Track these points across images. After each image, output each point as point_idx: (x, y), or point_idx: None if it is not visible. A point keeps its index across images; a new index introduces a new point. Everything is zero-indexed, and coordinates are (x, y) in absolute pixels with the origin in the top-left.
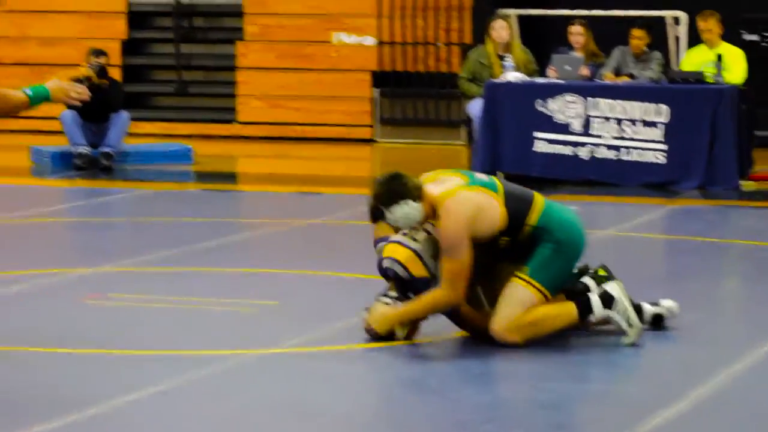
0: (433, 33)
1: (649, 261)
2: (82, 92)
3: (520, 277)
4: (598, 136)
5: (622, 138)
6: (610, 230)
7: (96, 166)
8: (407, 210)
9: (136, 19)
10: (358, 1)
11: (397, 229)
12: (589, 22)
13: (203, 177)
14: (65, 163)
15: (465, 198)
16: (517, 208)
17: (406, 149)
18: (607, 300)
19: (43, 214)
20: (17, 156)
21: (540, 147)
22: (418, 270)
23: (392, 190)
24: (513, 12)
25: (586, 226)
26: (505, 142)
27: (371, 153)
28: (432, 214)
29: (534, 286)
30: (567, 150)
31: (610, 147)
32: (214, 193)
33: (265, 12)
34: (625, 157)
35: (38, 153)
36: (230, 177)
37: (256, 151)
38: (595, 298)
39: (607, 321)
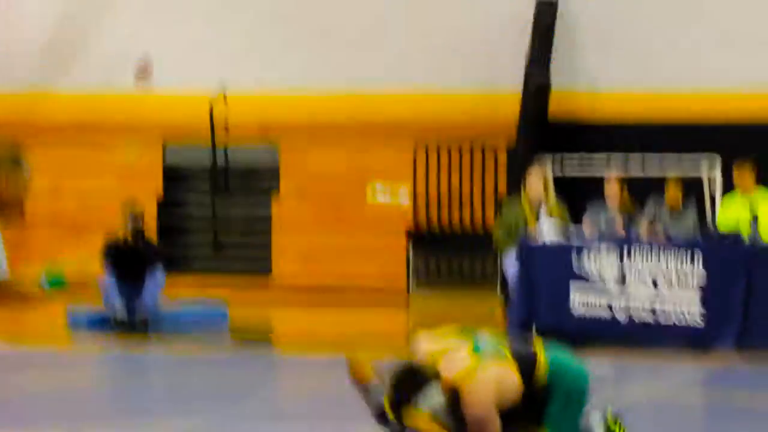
0: (469, 189)
1: (687, 427)
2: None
3: None
4: (633, 292)
5: (657, 294)
6: (644, 389)
7: (132, 326)
8: (431, 395)
9: (172, 177)
10: (394, 159)
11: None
12: (625, 177)
13: (239, 334)
14: (102, 326)
15: (485, 379)
16: (527, 370)
17: (442, 304)
18: None
19: (75, 379)
20: (53, 316)
21: (575, 303)
22: None
23: (415, 380)
24: (548, 164)
25: (621, 388)
26: (541, 298)
27: (406, 309)
28: (451, 395)
29: None
30: (603, 307)
31: (644, 303)
32: (251, 358)
33: (300, 168)
34: (660, 316)
35: (75, 316)
36: (266, 334)
37: (292, 307)
38: None
39: None
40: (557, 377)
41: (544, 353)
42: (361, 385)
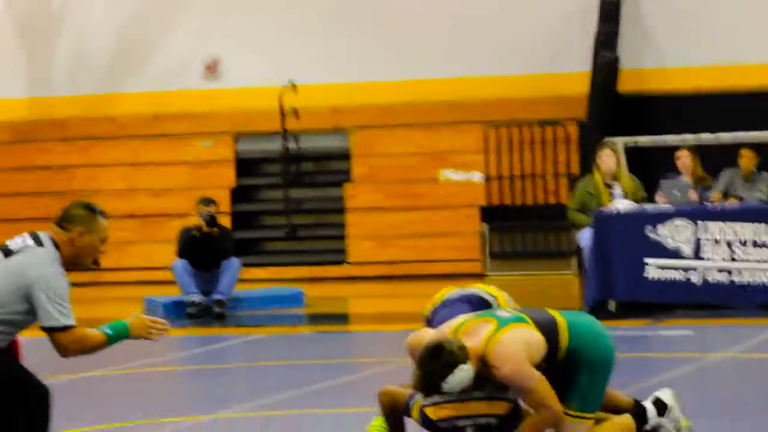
0: (541, 166)
1: (763, 387)
2: (163, 328)
3: (570, 414)
4: (710, 260)
5: (733, 260)
6: (726, 353)
7: (209, 314)
8: (461, 375)
9: (244, 166)
10: (465, 138)
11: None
12: (697, 146)
13: (315, 319)
14: (178, 312)
15: (510, 339)
16: (549, 335)
17: (517, 282)
18: (661, 407)
19: (158, 364)
20: (130, 307)
21: (651, 273)
22: (500, 407)
23: (443, 362)
24: (620, 140)
25: (701, 350)
26: (616, 270)
27: None
28: (481, 366)
29: (585, 418)
30: (678, 275)
31: (721, 270)
32: (327, 335)
33: (372, 153)
34: (737, 280)
35: (151, 303)
36: (342, 318)
37: (367, 291)
38: (649, 406)
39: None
40: (580, 341)
41: (564, 319)
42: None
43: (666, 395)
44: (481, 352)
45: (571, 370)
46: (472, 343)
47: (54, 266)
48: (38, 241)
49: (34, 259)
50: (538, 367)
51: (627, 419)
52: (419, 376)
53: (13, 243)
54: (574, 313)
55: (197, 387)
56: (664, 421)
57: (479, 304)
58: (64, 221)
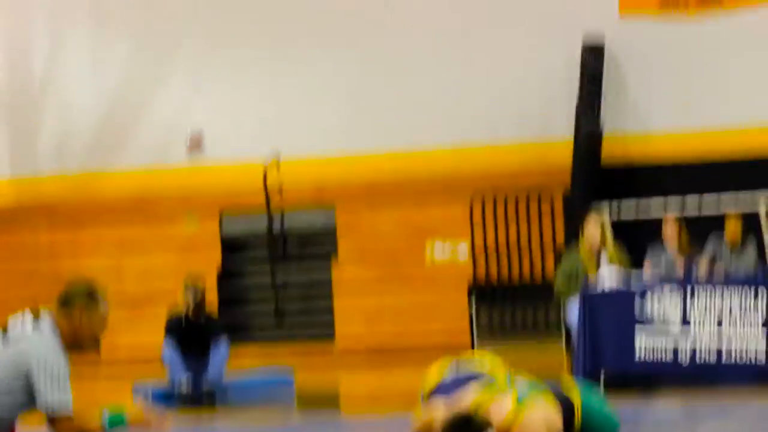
0: (527, 237)
1: None
2: (164, 423)
3: None
4: (698, 332)
5: (722, 333)
6: (715, 430)
7: (198, 399)
8: None
9: (230, 246)
10: (451, 214)
11: None
12: (682, 214)
13: (305, 401)
14: (168, 399)
15: (535, 417)
16: (567, 415)
17: (505, 354)
18: None
19: None
20: (120, 392)
21: (641, 348)
22: None
23: (477, 430)
24: (605, 210)
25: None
26: (605, 344)
27: None
28: None
29: None
30: (668, 350)
31: (710, 343)
32: (317, 420)
33: (358, 230)
34: (725, 354)
35: (141, 390)
36: (333, 399)
37: (357, 370)
38: None
39: None
40: (590, 424)
41: (579, 400)
42: None
43: None
44: (505, 427)
45: None
46: (495, 416)
47: (53, 348)
48: (37, 323)
49: (34, 343)
50: None
51: None
52: None
53: (12, 325)
54: (588, 388)
55: None
56: None
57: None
58: (64, 302)
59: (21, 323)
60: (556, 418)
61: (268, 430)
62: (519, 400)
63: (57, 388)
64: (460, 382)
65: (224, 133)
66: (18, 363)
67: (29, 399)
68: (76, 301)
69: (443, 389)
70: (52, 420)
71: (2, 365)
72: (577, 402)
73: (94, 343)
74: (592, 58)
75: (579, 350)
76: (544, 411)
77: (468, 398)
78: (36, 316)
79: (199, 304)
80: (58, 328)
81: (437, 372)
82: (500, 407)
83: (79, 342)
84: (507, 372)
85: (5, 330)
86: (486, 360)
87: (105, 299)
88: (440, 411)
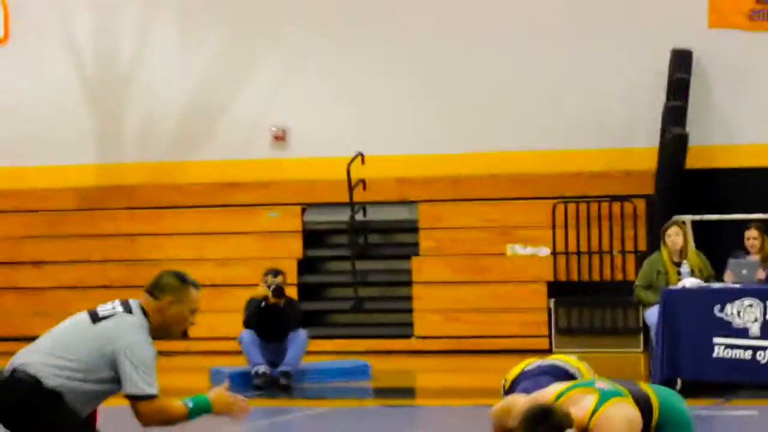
0: (608, 242)
1: None
2: (245, 407)
3: None
4: None
5: None
6: None
7: (275, 385)
8: None
9: (312, 237)
10: (533, 213)
11: None
12: (765, 225)
13: (381, 393)
14: (245, 384)
15: (615, 414)
16: (644, 410)
17: (584, 358)
18: None
19: None
20: (197, 377)
21: (719, 352)
22: None
23: (553, 426)
24: (687, 218)
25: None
26: (683, 349)
27: None
28: (579, 429)
29: None
30: (746, 354)
31: None
32: (393, 408)
33: (439, 227)
34: None
35: (217, 374)
36: (408, 392)
37: (434, 365)
38: None
39: None
40: (667, 421)
41: (656, 399)
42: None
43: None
44: (585, 422)
45: None
46: (576, 412)
47: (141, 334)
48: (127, 308)
49: (122, 326)
50: None
51: None
52: None
53: (102, 309)
54: (660, 387)
55: None
56: None
57: (561, 376)
58: (154, 289)
59: (111, 306)
60: (637, 417)
61: (344, 417)
62: (601, 398)
63: (143, 372)
64: (543, 371)
65: (308, 132)
66: (104, 342)
67: (113, 379)
68: (167, 287)
69: (525, 376)
70: (137, 404)
71: (89, 341)
72: (654, 402)
73: (183, 333)
74: (680, 67)
75: (657, 355)
76: (625, 409)
77: (550, 391)
78: (126, 303)
79: (279, 292)
80: (147, 314)
81: (521, 365)
82: (581, 403)
83: (168, 330)
84: (590, 371)
85: (94, 312)
86: (570, 359)
87: (197, 285)
88: (520, 401)
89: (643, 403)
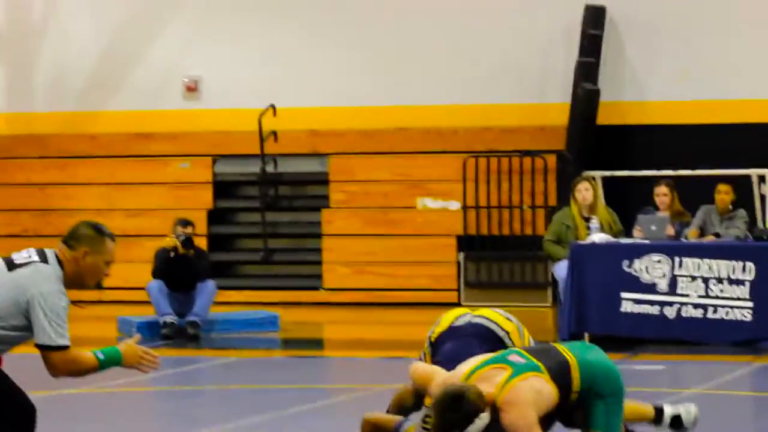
0: (518, 196)
1: (737, 420)
2: (155, 360)
3: None
4: (685, 295)
5: (708, 297)
6: (697, 389)
7: (183, 335)
8: (480, 423)
9: (222, 188)
10: (443, 167)
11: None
12: (675, 181)
13: (289, 344)
14: (152, 333)
15: (521, 388)
16: (563, 380)
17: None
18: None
19: (130, 384)
20: (104, 326)
21: (627, 307)
22: None
23: (466, 412)
24: (598, 174)
25: (674, 385)
26: (591, 303)
27: None
28: (491, 412)
29: None
30: (654, 309)
31: (696, 306)
32: (301, 359)
33: (350, 179)
34: (711, 316)
35: (125, 323)
36: (316, 343)
37: (342, 317)
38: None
39: None
40: (592, 382)
41: (575, 359)
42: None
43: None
44: (493, 397)
45: (587, 403)
46: (487, 388)
47: (56, 284)
48: (43, 258)
49: (37, 275)
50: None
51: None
52: (438, 424)
53: (17, 256)
54: (581, 346)
55: (168, 408)
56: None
57: (490, 339)
58: (71, 239)
59: (27, 254)
60: (547, 390)
61: (250, 366)
62: (513, 373)
63: (55, 323)
64: (472, 332)
65: (221, 83)
66: (19, 291)
67: (25, 327)
68: (83, 238)
69: (453, 333)
70: (48, 354)
71: (4, 288)
72: (574, 367)
73: (97, 283)
74: (593, 23)
75: (565, 309)
76: (534, 382)
77: (464, 369)
78: (42, 252)
79: (188, 241)
80: (62, 264)
81: (450, 317)
82: (493, 379)
83: (83, 280)
84: (520, 330)
85: (9, 259)
86: (500, 318)
87: (113, 237)
88: (439, 375)
89: (560, 373)
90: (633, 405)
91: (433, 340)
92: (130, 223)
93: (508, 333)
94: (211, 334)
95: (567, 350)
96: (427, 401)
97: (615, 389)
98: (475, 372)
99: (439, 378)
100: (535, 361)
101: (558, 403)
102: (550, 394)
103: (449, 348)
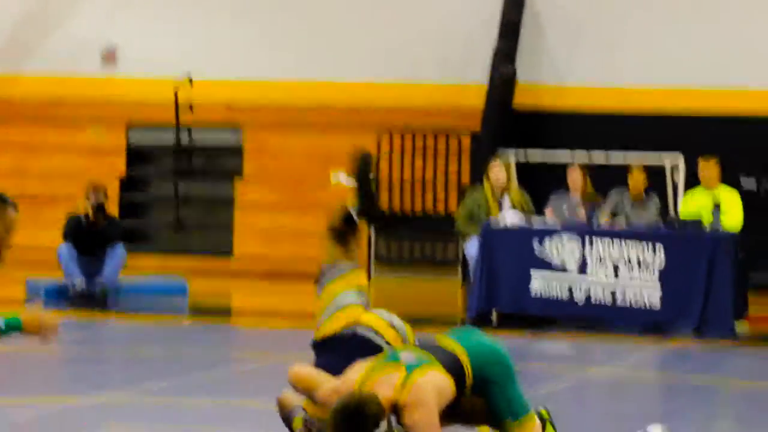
0: (432, 175)
1: (642, 401)
2: (55, 327)
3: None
4: (594, 278)
5: (618, 281)
6: (604, 369)
7: (91, 299)
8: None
9: (136, 156)
10: (358, 143)
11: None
12: (588, 166)
13: (198, 311)
14: (61, 296)
15: (423, 386)
16: (456, 373)
17: (401, 286)
18: None
19: (36, 347)
20: (12, 288)
21: (536, 287)
22: None
23: (367, 423)
24: (512, 155)
25: (580, 366)
26: (502, 282)
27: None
28: (391, 413)
29: (525, 420)
30: (563, 290)
31: (605, 288)
32: (209, 327)
33: (264, 152)
34: (620, 299)
35: (34, 286)
36: (225, 312)
37: (252, 287)
38: None
39: None
40: (482, 370)
41: (462, 348)
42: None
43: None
44: (394, 399)
45: (482, 391)
46: (384, 392)
47: None
48: None
49: None
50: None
51: None
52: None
53: None
54: (461, 332)
55: (73, 371)
56: None
57: (373, 353)
58: None
59: None
60: (446, 383)
61: (158, 333)
62: (408, 371)
63: None
64: (355, 345)
65: (139, 51)
66: None
67: None
68: None
69: (338, 342)
70: None
71: None
72: (463, 357)
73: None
74: (513, 8)
75: (475, 287)
76: (433, 377)
77: (354, 377)
78: None
79: (99, 208)
80: None
81: (338, 324)
82: (388, 381)
83: None
84: (400, 334)
85: None
86: (381, 326)
87: (15, 206)
88: (327, 384)
89: (452, 366)
90: None
91: (317, 340)
92: (43, 187)
93: (388, 343)
94: (119, 300)
95: (452, 341)
96: (306, 405)
97: (504, 370)
98: (370, 377)
99: (328, 385)
100: (426, 356)
101: (455, 397)
102: (448, 388)
103: (332, 359)
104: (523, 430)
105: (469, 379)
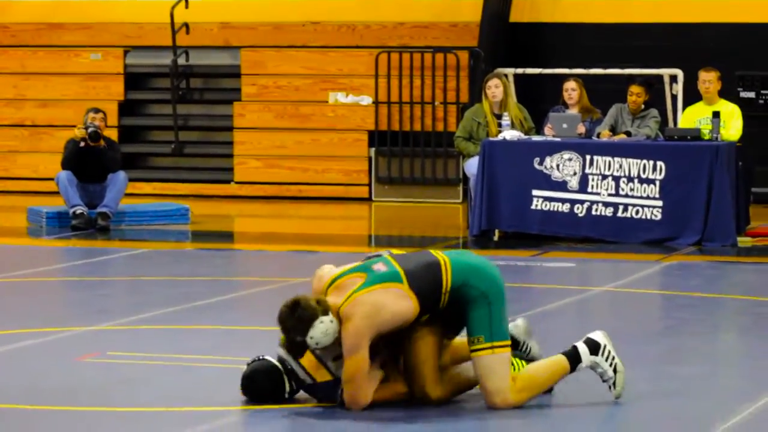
0: (430, 92)
1: (645, 317)
2: None
3: (482, 348)
4: (595, 194)
5: (619, 195)
6: (607, 286)
7: (93, 226)
8: (323, 327)
9: (133, 80)
10: (355, 62)
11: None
12: (588, 80)
13: (200, 236)
14: (62, 224)
15: (361, 301)
16: (428, 286)
17: (403, 208)
18: (594, 347)
19: (39, 274)
20: (14, 216)
21: (537, 205)
22: (321, 375)
23: (301, 317)
24: (510, 71)
25: (583, 283)
26: (502, 200)
27: (368, 212)
28: (337, 318)
29: (499, 347)
30: (564, 207)
31: (606, 204)
32: (211, 252)
33: (262, 73)
34: (621, 215)
35: (35, 213)
36: (227, 236)
37: (253, 210)
38: (582, 347)
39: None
40: (466, 281)
41: (447, 258)
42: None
43: (597, 335)
44: (338, 307)
45: (465, 306)
46: (334, 300)
47: None
48: None
49: None
50: (417, 321)
51: (561, 360)
52: (284, 335)
53: None
54: (458, 252)
55: (77, 298)
56: (598, 359)
57: None
58: None
59: None
60: (397, 305)
61: (161, 257)
62: (365, 283)
63: None
64: None
65: None
66: None
67: None
68: None
69: None
70: None
71: None
72: (444, 259)
73: None
74: None
75: (475, 206)
76: (379, 295)
77: (329, 275)
78: None
79: (95, 135)
80: None
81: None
82: (345, 289)
83: None
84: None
85: None
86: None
87: None
88: (326, 273)
89: (427, 275)
90: (545, 365)
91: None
92: (41, 113)
93: None
94: (121, 226)
95: (440, 252)
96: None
97: (494, 288)
98: (336, 281)
99: (317, 272)
100: (397, 267)
101: (423, 309)
102: (402, 306)
103: None
104: (495, 353)
105: (446, 288)
